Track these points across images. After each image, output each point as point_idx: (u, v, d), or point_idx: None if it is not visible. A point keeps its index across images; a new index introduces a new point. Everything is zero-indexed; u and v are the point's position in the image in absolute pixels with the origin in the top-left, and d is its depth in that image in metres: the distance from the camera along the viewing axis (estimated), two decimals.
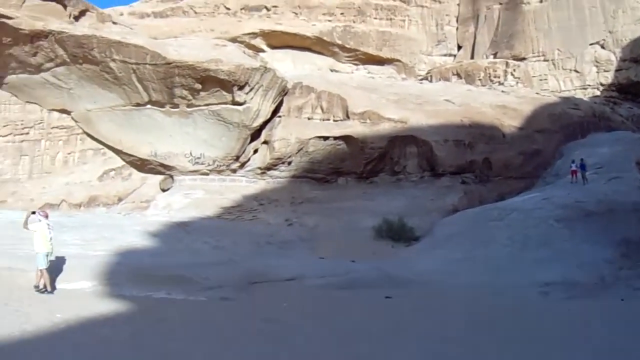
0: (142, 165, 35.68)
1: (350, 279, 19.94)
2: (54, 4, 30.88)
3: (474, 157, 36.33)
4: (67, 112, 34.92)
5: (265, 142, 34.71)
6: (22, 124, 69.33)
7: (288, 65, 48.61)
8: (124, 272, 17.98)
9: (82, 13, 32.15)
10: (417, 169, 36.13)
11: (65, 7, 31.19)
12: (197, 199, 32.69)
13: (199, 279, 18.08)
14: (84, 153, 69.52)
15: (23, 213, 19.28)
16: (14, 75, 31.88)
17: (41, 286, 15.39)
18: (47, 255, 15.62)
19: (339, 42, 53.29)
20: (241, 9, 55.79)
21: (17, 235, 17.46)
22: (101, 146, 41.07)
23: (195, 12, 56.27)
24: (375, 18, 56.07)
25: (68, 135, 69.50)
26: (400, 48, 54.77)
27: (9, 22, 28.65)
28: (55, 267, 17.13)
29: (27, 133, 69.67)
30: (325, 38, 53.19)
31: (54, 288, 15.78)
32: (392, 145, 35.71)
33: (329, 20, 55.29)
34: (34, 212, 16.54)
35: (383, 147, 35.44)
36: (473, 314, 14.87)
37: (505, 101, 41.13)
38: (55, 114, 54.40)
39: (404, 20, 56.79)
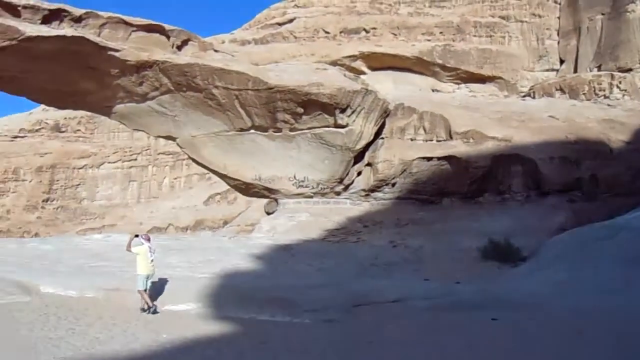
0: (247, 189, 36.45)
1: (456, 300, 19.67)
2: (157, 35, 32.22)
3: (581, 174, 35.30)
4: (173, 139, 36.10)
5: (368, 164, 34.90)
6: (130, 151, 72.34)
7: (389, 86, 48.73)
8: (229, 294, 18.37)
9: (185, 42, 33.31)
10: (523, 188, 35.44)
11: (168, 37, 32.46)
12: (301, 221, 33.10)
13: (303, 301, 18.16)
14: (189, 178, 71.78)
15: (121, 236, 20.14)
16: (122, 105, 33.40)
17: (145, 307, 16.22)
18: (147, 278, 16.39)
19: (439, 61, 53.12)
20: (340, 32, 56.47)
21: (125, 258, 18.25)
22: (206, 171, 42.30)
23: (295, 37, 57.30)
24: (475, 36, 55.60)
25: (174, 160, 71.96)
26: (501, 65, 54.05)
27: (116, 54, 30.07)
28: (162, 289, 17.94)
29: (135, 159, 72.61)
30: (425, 58, 53.13)
31: (154, 308, 16.44)
32: (496, 164, 35.24)
33: (428, 40, 55.22)
34: (136, 236, 17.42)
35: (487, 167, 35.03)
36: (593, 340, 14.41)
37: (611, 115, 39.87)
38: (162, 141, 56.29)
39: (503, 37, 56.06)
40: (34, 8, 29.15)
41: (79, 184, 71.66)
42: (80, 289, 17.67)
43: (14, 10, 28.85)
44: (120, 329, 14.08)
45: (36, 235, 60.76)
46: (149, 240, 17.27)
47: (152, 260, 16.70)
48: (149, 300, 16.35)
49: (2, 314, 14.33)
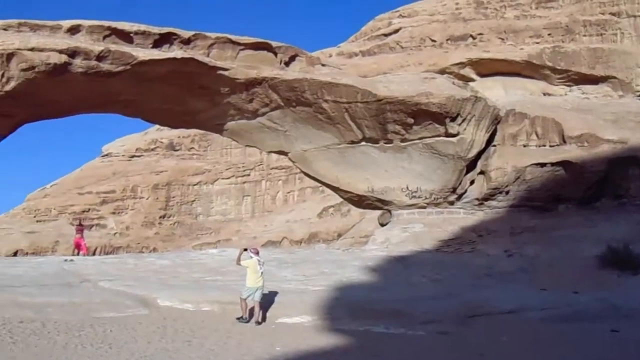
0: (360, 201, 36.29)
1: (573, 311, 19.01)
2: (265, 52, 32.52)
3: None
4: (285, 153, 36.36)
5: (481, 173, 34.05)
6: (243, 167, 73.76)
7: (499, 92, 47.59)
8: (343, 306, 18.37)
9: (292, 58, 33.47)
10: None
11: (275, 54, 32.72)
12: (415, 232, 32.64)
13: (417, 312, 18.08)
14: (302, 191, 72.34)
15: (236, 250, 20.53)
16: (233, 122, 33.95)
17: (243, 316, 16.85)
18: (256, 290, 16.86)
19: (549, 64, 51.28)
20: (447, 40, 55.64)
21: (240, 272, 18.50)
22: (319, 184, 42.46)
23: (402, 47, 56.90)
24: (585, 35, 53.35)
25: (287, 175, 72.74)
26: (614, 64, 51.57)
27: (226, 73, 30.60)
28: (276, 302, 18.31)
29: (249, 175, 73.95)
30: (534, 61, 51.45)
31: (263, 320, 17.09)
32: (613, 168, 33.60)
33: (537, 43, 53.44)
34: (245, 249, 18.09)
35: (603, 171, 33.48)
36: None
37: None
38: (274, 156, 57.04)
39: (615, 34, 53.47)
40: (144, 33, 30.25)
41: (194, 200, 73.73)
42: (197, 302, 18.06)
43: (127, 37, 30.08)
44: (235, 342, 14.22)
45: (154, 250, 62.86)
46: (257, 253, 17.88)
47: (261, 273, 17.19)
48: (245, 311, 16.94)
49: (122, 327, 14.70)
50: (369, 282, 22.88)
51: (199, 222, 72.64)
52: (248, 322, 16.84)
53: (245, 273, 17.32)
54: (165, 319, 16.18)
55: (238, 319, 16.84)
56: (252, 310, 17.16)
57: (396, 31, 59.45)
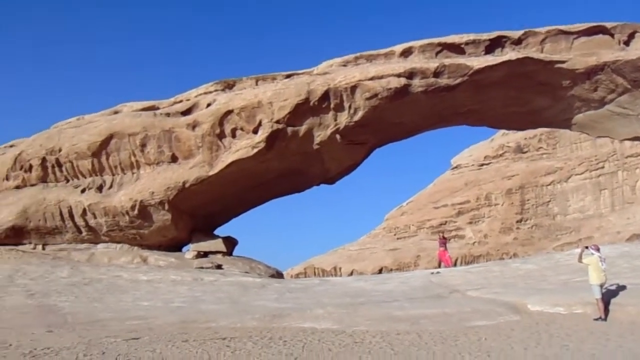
0: None
1: None
2: (600, 36, 30.99)
3: None
4: (639, 139, 34.03)
5: None
6: (596, 159, 70.02)
7: None
8: None
9: (631, 36, 31.34)
10: None
11: (612, 35, 30.92)
12: None
13: None
14: None
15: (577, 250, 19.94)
16: (580, 114, 32.69)
17: (601, 316, 16.32)
18: (600, 286, 16.54)
19: None
20: None
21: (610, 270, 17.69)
22: None
23: None
24: None
25: None
26: None
27: (564, 65, 29.68)
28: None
29: (602, 167, 69.91)
30: None
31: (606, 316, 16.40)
32: None
33: None
34: (587, 247, 17.89)
35: None
36: None
37: None
38: (627, 143, 53.55)
39: None
40: (475, 42, 30.57)
41: (549, 201, 71.82)
42: (568, 305, 17.52)
43: (458, 49, 30.69)
44: (614, 344, 13.42)
45: (514, 255, 62.29)
46: (598, 250, 17.45)
47: (603, 270, 16.85)
48: (602, 310, 16.41)
49: (496, 334, 14.74)
50: None
51: (557, 223, 70.46)
52: (605, 320, 16.17)
53: (587, 270, 17.03)
54: (538, 324, 15.90)
55: (595, 319, 16.22)
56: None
57: None
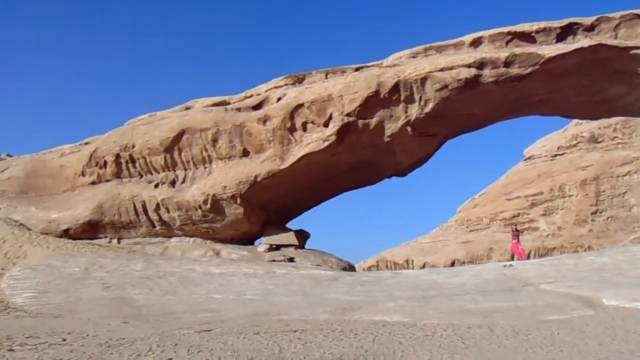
0: None
1: None
2: None
3: None
4: None
5: None
6: None
7: None
8: None
9: None
10: None
11: None
12: None
13: None
14: None
15: None
16: None
17: None
18: None
19: None
20: None
21: None
22: None
23: None
24: None
25: None
26: None
27: (639, 51, 28.83)
28: None
29: None
30: None
31: None
32: None
33: None
34: None
35: None
36: None
37: None
38: None
39: None
40: (546, 30, 30.04)
41: (625, 192, 69.80)
42: None
43: (529, 37, 30.21)
44: None
45: (589, 248, 60.85)
46: None
47: None
48: None
49: (569, 329, 14.54)
50: None
51: (634, 214, 68.42)
52: None
53: None
54: (613, 319, 15.56)
55: None
56: None
57: None
